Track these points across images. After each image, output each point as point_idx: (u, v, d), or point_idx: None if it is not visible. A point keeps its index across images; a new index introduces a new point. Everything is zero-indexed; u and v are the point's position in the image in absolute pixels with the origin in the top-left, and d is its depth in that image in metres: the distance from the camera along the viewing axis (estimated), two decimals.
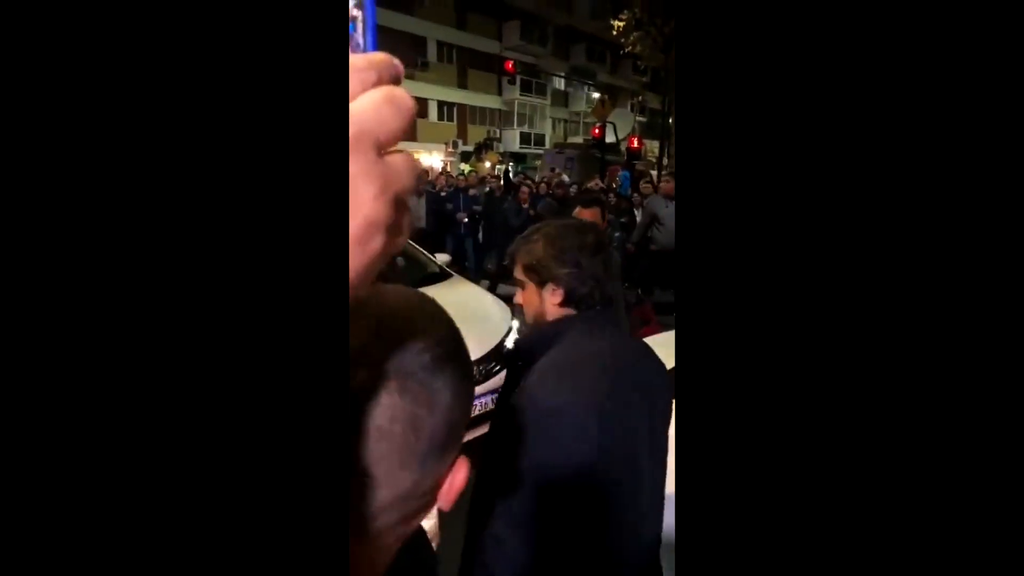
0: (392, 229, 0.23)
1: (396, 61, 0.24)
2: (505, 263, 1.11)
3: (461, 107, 22.32)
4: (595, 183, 8.53)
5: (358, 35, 0.27)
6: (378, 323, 0.39)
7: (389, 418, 0.37)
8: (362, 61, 0.24)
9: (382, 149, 0.23)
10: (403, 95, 0.23)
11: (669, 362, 0.96)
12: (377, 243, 0.23)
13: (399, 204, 0.23)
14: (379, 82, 0.23)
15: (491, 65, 21.90)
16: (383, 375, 0.37)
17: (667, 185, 5.68)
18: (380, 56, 0.24)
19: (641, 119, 19.25)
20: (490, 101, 23.49)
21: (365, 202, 0.22)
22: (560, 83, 25.89)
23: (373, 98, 0.23)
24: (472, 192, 7.91)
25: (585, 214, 2.13)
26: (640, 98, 19.28)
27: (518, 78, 21.30)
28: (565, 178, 9.81)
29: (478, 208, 7.61)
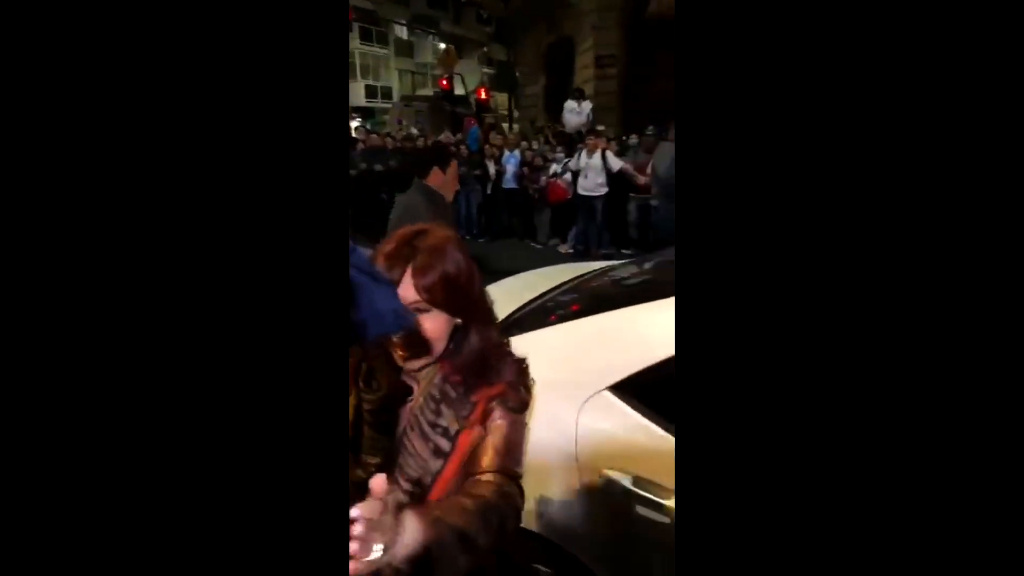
0: None
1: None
2: None
3: None
4: (445, 136, 8.24)
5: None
6: None
7: None
8: None
9: None
10: None
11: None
12: None
13: None
14: None
15: None
16: None
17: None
18: None
19: (488, 71, 19.02)
20: None
21: None
22: (403, 32, 24.60)
23: None
24: None
25: None
26: (486, 49, 19.00)
27: (356, 26, 19.82)
28: (414, 131, 9.39)
29: None
